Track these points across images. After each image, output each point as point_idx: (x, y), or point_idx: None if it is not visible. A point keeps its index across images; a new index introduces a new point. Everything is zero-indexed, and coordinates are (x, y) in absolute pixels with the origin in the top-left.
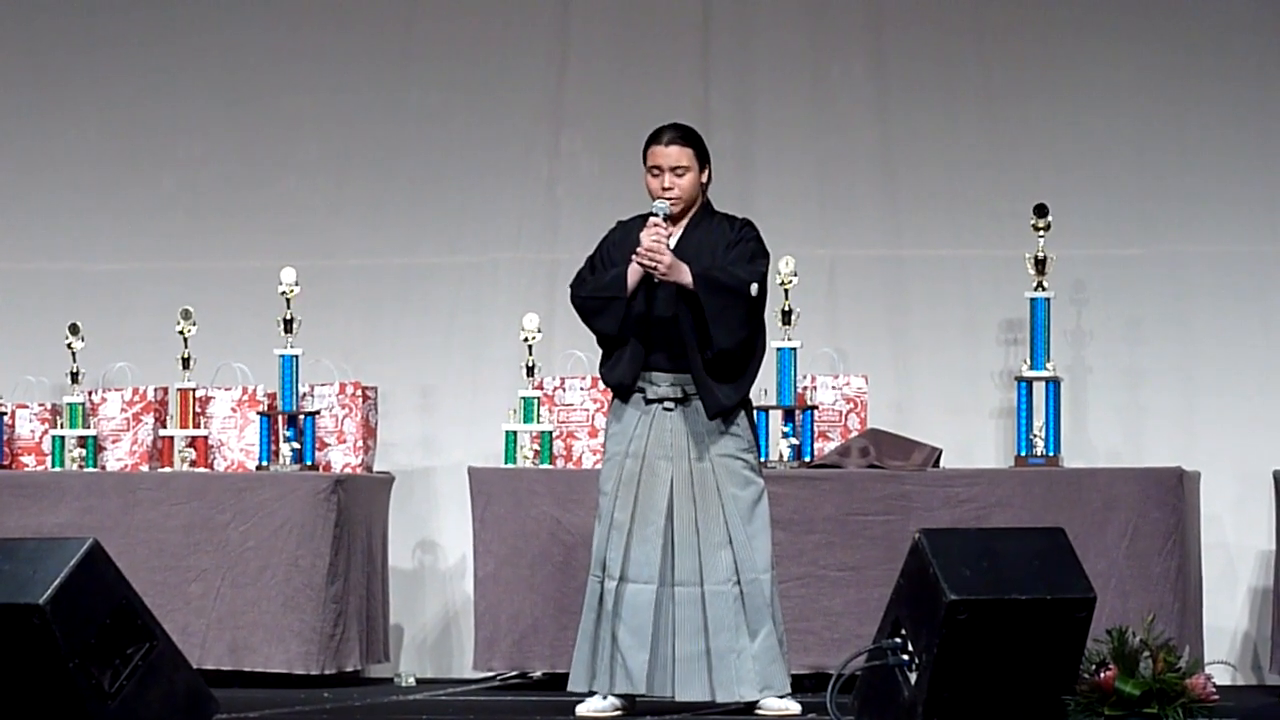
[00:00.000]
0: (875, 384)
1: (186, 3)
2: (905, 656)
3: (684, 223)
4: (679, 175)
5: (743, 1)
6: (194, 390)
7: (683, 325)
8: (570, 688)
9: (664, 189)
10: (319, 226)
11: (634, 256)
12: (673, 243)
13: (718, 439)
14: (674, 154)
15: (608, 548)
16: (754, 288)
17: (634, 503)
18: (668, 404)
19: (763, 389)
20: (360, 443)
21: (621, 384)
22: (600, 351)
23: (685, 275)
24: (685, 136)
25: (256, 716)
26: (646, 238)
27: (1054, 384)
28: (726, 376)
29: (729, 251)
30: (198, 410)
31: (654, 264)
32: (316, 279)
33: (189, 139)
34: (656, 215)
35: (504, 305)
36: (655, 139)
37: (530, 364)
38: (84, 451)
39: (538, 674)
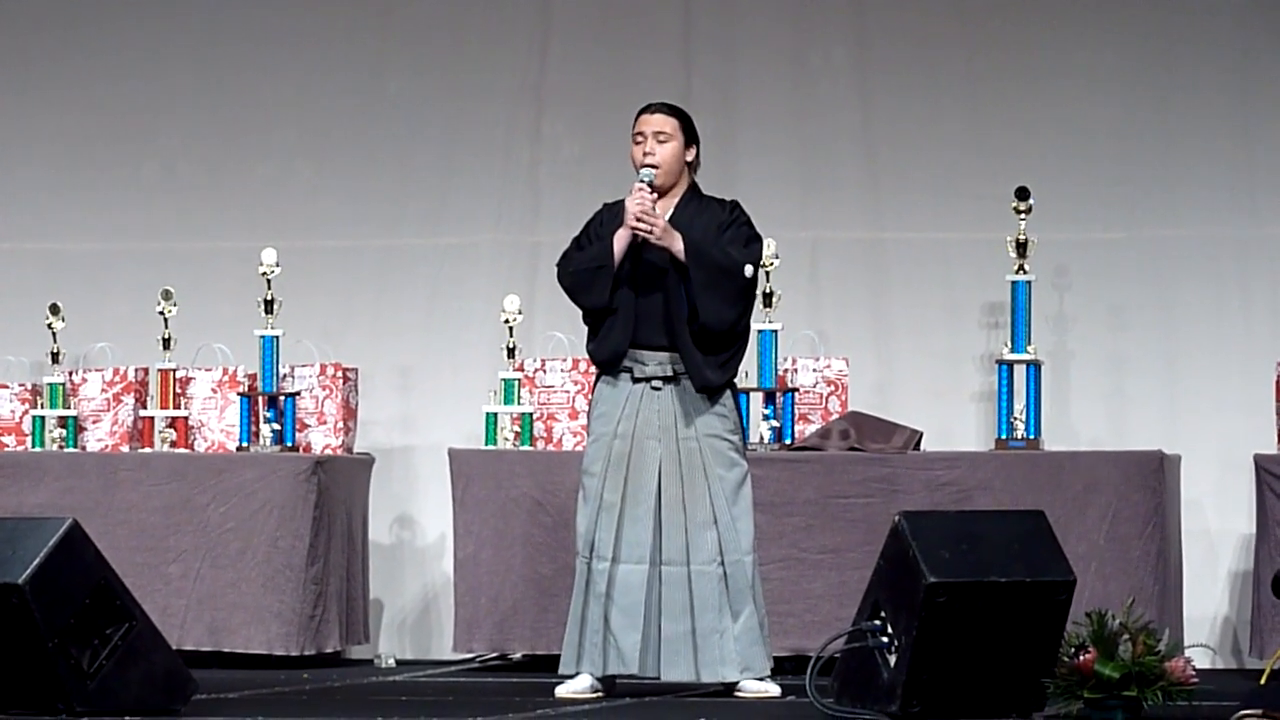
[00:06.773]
0: (856, 366)
1: None
2: (885, 639)
3: (673, 202)
4: (661, 141)
5: None
6: (174, 371)
7: (671, 297)
8: (561, 670)
9: (645, 154)
10: (300, 208)
11: (627, 222)
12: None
13: (705, 418)
14: (657, 120)
15: (597, 529)
16: (749, 269)
17: (624, 483)
18: (655, 383)
19: (744, 371)
20: (340, 424)
21: (616, 353)
22: (585, 332)
23: (678, 242)
24: (672, 109)
25: (236, 697)
26: (631, 202)
27: (1034, 367)
28: (713, 353)
29: (722, 233)
30: (178, 391)
31: (649, 229)
32: (297, 260)
33: (170, 119)
34: (642, 182)
35: (485, 287)
36: (644, 110)
37: (511, 346)
38: (64, 432)
39: (518, 655)
